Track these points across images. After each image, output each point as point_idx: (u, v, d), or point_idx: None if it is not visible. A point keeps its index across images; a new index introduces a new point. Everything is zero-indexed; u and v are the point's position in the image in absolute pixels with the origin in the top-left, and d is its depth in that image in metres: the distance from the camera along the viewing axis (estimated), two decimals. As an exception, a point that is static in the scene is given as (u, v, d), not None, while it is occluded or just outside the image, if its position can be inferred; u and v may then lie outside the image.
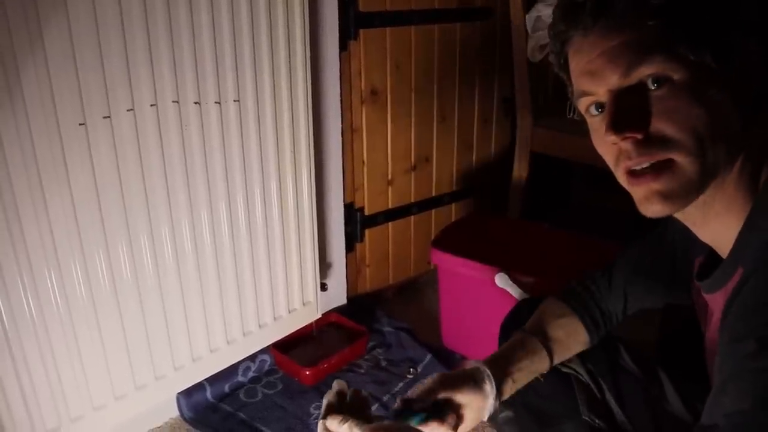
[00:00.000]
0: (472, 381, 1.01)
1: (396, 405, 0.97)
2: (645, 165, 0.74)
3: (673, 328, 1.71)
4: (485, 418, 1.03)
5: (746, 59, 0.71)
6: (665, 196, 0.74)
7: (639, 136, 0.72)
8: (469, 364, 1.06)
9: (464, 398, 1.00)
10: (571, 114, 2.10)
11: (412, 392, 1.00)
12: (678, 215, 0.80)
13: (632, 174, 0.75)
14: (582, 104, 0.79)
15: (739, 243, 0.78)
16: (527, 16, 2.02)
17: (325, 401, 0.93)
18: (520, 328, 1.13)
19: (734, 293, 0.75)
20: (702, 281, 0.87)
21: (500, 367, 1.05)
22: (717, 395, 0.70)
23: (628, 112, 0.73)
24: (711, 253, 0.86)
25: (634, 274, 1.14)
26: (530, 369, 1.09)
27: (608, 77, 0.74)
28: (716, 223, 0.80)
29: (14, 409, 1.23)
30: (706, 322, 0.92)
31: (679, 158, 0.72)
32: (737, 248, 0.78)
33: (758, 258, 0.73)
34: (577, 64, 0.78)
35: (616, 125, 0.73)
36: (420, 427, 0.93)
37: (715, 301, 0.84)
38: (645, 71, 0.71)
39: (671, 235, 1.05)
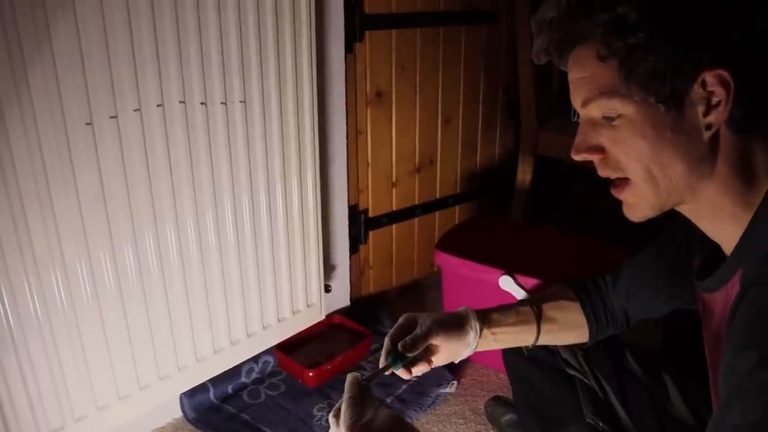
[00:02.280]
0: (457, 327, 1.07)
1: (387, 344, 1.01)
2: (611, 177, 0.84)
3: (677, 331, 1.71)
4: (456, 361, 1.09)
5: (703, 92, 0.74)
6: (631, 207, 0.84)
7: (595, 159, 0.83)
8: (461, 309, 1.11)
9: (446, 341, 1.05)
10: (575, 117, 2.10)
11: (398, 334, 1.03)
12: (683, 213, 0.84)
13: (608, 181, 0.85)
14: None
15: (739, 247, 0.79)
16: (532, 18, 2.02)
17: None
18: (522, 300, 1.19)
19: (737, 300, 0.76)
20: (702, 280, 0.89)
21: (487, 322, 1.11)
22: (724, 409, 0.71)
23: (588, 136, 0.82)
24: (712, 253, 0.88)
25: (639, 279, 1.15)
26: (515, 336, 1.14)
27: (575, 103, 0.84)
28: (716, 224, 0.83)
29: (19, 409, 1.23)
30: (705, 320, 0.93)
31: (633, 179, 0.81)
32: (738, 252, 0.80)
33: (760, 267, 0.74)
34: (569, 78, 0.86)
35: (575, 147, 0.84)
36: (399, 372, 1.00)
37: (714, 300, 0.85)
38: (598, 108, 0.80)
39: (677, 238, 1.05)
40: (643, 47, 0.73)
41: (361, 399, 0.85)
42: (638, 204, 0.83)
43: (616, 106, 0.78)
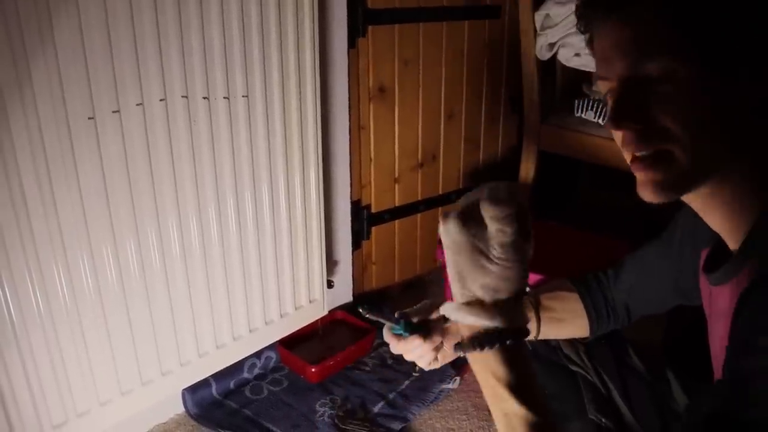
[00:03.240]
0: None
1: (396, 314, 0.98)
2: (644, 153, 0.76)
3: (679, 328, 1.71)
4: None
5: (760, 61, 0.71)
6: (660, 185, 0.77)
7: (636, 129, 0.75)
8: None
9: (454, 325, 0.99)
10: (579, 112, 2.10)
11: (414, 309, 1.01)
12: (688, 201, 0.81)
13: (634, 159, 0.78)
14: (601, 87, 0.81)
15: (751, 238, 0.77)
16: (536, 14, 2.02)
17: None
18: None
19: (746, 293, 0.74)
20: (709, 273, 0.87)
21: None
22: (737, 386, 0.68)
23: (629, 104, 0.75)
24: (718, 245, 0.86)
25: (641, 274, 1.14)
26: None
27: (617, 68, 0.76)
28: (725, 213, 0.80)
29: (21, 405, 1.23)
30: (711, 313, 0.91)
31: (676, 150, 0.74)
32: (749, 243, 0.78)
33: None
34: (597, 48, 0.80)
35: (616, 117, 0.76)
36: (403, 340, 0.97)
37: (722, 293, 0.84)
38: (650, 68, 0.73)
39: (680, 232, 1.04)
40: (705, 7, 0.70)
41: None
42: (669, 181, 0.76)
43: (676, 66, 0.72)
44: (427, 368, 1.02)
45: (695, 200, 0.81)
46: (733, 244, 0.81)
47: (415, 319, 0.99)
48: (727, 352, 0.72)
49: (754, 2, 0.70)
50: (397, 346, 0.99)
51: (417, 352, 0.99)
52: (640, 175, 0.78)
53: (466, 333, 0.77)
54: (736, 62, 0.71)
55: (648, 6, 0.73)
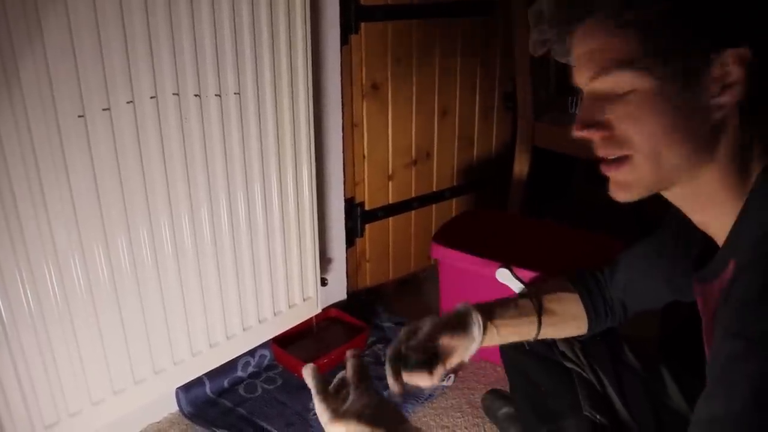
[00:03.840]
0: (461, 326, 1.04)
1: (390, 353, 0.97)
2: (608, 157, 0.81)
3: (674, 324, 1.71)
4: (466, 359, 1.05)
5: (721, 70, 0.72)
6: (623, 187, 0.81)
7: (599, 135, 0.80)
8: (460, 306, 1.08)
9: (451, 342, 1.02)
10: (573, 109, 2.10)
11: (405, 341, 1.00)
12: (672, 200, 0.84)
13: (601, 160, 0.82)
14: (581, 89, 0.84)
15: (733, 234, 0.79)
16: (529, 10, 2.01)
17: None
18: (521, 292, 1.16)
19: (728, 286, 0.76)
20: (697, 271, 0.88)
21: (489, 314, 1.08)
22: (707, 397, 0.71)
23: (592, 112, 0.79)
24: (707, 243, 0.87)
25: (636, 271, 1.14)
26: (516, 329, 1.12)
27: (583, 79, 0.80)
28: (707, 213, 0.82)
29: (12, 405, 1.23)
30: (703, 310, 0.92)
31: (637, 156, 0.78)
32: (731, 239, 0.79)
33: (752, 252, 0.74)
34: (573, 54, 0.83)
35: (580, 122, 0.81)
36: (409, 377, 0.97)
37: (710, 290, 0.85)
38: (610, 81, 0.76)
39: (674, 228, 1.04)
40: (665, 19, 0.72)
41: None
42: (632, 183, 0.81)
43: (630, 79, 0.75)
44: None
45: (674, 199, 0.83)
46: (720, 242, 0.82)
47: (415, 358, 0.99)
48: (712, 345, 0.74)
49: (707, 18, 0.71)
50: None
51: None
52: (607, 176, 0.83)
53: None
54: (694, 75, 0.73)
55: (609, 22, 0.75)
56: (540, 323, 1.12)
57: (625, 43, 0.74)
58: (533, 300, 1.14)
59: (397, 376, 0.96)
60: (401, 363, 0.97)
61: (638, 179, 0.80)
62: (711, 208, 0.81)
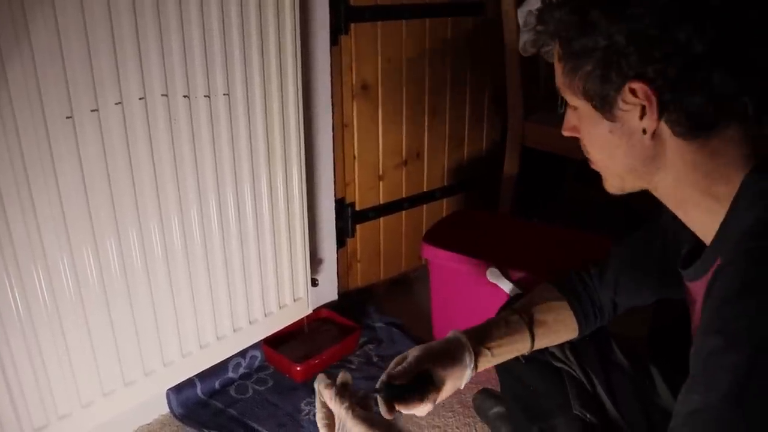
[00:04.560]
0: (451, 354, 1.04)
1: (378, 384, 0.96)
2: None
3: (663, 323, 1.71)
4: (461, 387, 1.05)
5: (629, 98, 0.78)
6: (605, 181, 0.92)
7: (576, 135, 0.91)
8: (450, 334, 1.08)
9: (444, 372, 1.01)
10: (562, 109, 2.10)
11: (393, 369, 0.99)
12: (660, 199, 0.88)
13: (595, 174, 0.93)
14: None
15: (719, 235, 0.80)
16: (519, 10, 2.02)
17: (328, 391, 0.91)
18: (509, 307, 1.16)
19: (710, 284, 0.78)
20: (685, 269, 0.90)
21: (480, 339, 1.07)
22: (687, 392, 0.72)
23: (568, 116, 0.91)
24: (697, 242, 0.88)
25: (627, 266, 1.15)
26: (510, 347, 1.11)
27: None
28: (688, 213, 0.85)
29: (1, 407, 1.22)
30: (691, 308, 0.93)
31: (596, 164, 0.91)
32: (717, 240, 0.81)
33: (733, 250, 0.76)
34: None
35: (564, 124, 0.93)
36: (401, 406, 0.96)
37: (697, 289, 0.86)
38: (565, 97, 0.88)
39: (664, 225, 1.05)
40: (581, 54, 0.80)
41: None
42: (604, 179, 0.91)
43: (571, 99, 0.86)
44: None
45: (658, 197, 0.88)
46: (707, 242, 0.84)
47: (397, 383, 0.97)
48: (694, 341, 0.76)
49: (611, 56, 0.77)
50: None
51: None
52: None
53: None
54: (608, 103, 0.80)
55: (555, 50, 0.85)
56: (533, 337, 1.12)
57: (562, 72, 0.84)
58: (523, 315, 1.13)
59: (389, 406, 0.95)
60: (391, 392, 0.95)
61: (606, 178, 0.91)
62: (690, 209, 0.84)
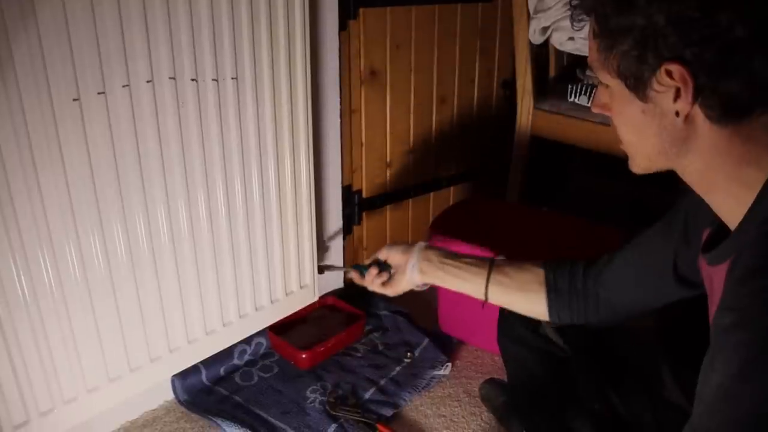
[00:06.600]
0: (408, 251, 1.34)
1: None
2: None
3: (672, 315, 1.70)
4: (417, 282, 1.34)
5: (664, 80, 0.78)
6: (630, 160, 0.92)
7: (607, 114, 0.91)
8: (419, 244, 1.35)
9: (395, 260, 1.37)
10: (572, 97, 2.08)
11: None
12: (687, 182, 0.88)
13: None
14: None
15: (746, 219, 0.80)
16: (529, -3, 2.00)
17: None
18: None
19: (731, 266, 0.80)
20: (707, 253, 0.89)
21: (438, 254, 1.30)
22: (706, 371, 0.74)
23: (600, 93, 0.91)
24: (719, 226, 0.88)
25: (639, 261, 1.12)
26: (463, 272, 1.26)
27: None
28: (715, 196, 0.85)
29: (7, 392, 1.21)
30: (710, 295, 0.93)
31: (624, 143, 0.90)
32: (744, 223, 0.80)
33: (755, 233, 0.77)
34: None
35: (594, 101, 0.93)
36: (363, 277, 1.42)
37: (718, 273, 0.85)
38: (600, 77, 0.87)
39: (683, 214, 1.03)
40: (617, 32, 0.79)
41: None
42: (633, 158, 0.91)
43: (604, 76, 0.85)
44: (387, 293, 1.40)
45: (684, 178, 0.88)
46: (731, 225, 0.83)
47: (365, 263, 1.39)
48: (712, 320, 0.79)
49: (647, 36, 0.77)
50: (361, 280, 1.42)
51: (376, 281, 1.38)
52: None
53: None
54: (642, 83, 0.80)
55: (594, 25, 0.85)
56: (488, 280, 1.21)
57: (596, 50, 0.84)
58: (493, 266, 1.22)
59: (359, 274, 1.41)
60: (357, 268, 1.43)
61: (633, 157, 0.90)
62: (718, 193, 0.84)
